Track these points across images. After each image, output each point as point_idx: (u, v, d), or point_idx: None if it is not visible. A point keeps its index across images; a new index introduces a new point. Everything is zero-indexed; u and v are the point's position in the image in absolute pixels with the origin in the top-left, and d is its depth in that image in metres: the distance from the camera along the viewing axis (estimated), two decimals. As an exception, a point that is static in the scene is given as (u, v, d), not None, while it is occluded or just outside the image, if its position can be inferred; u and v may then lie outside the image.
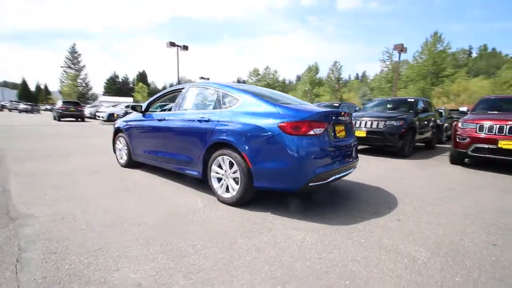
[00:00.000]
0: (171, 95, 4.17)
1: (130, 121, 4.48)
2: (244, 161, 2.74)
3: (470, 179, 4.59)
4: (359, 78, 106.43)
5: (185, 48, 20.80)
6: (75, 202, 2.93)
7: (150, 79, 73.20)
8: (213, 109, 3.19)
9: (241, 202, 2.85)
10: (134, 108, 4.26)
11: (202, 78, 34.80)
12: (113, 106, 23.51)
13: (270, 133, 2.56)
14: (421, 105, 7.60)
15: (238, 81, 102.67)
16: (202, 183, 3.63)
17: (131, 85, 75.08)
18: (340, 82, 54.66)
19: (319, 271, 1.77)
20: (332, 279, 1.68)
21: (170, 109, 4.77)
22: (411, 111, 7.34)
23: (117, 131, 4.82)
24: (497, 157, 4.95)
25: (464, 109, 6.91)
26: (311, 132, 2.54)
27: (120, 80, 76.68)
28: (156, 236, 2.19)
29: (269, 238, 2.21)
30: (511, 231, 2.51)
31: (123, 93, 69.01)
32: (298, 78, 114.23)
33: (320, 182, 2.62)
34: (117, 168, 4.66)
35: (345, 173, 2.95)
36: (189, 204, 2.96)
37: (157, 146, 3.84)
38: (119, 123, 4.78)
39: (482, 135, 5.11)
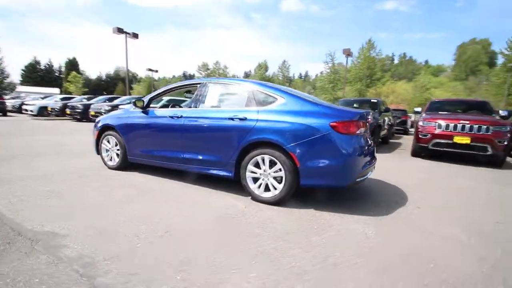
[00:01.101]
0: (177, 91, 3.84)
1: (126, 117, 3.96)
2: (289, 160, 2.75)
3: (440, 169, 5.44)
4: (302, 77, 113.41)
5: (135, 36, 18.94)
6: (93, 212, 2.51)
7: (81, 68, 63.92)
8: (247, 107, 3.07)
9: (283, 200, 2.85)
10: (135, 103, 3.78)
11: (150, 70, 32.25)
12: (42, 98, 20.05)
13: (321, 132, 2.63)
14: (383, 106, 8.61)
15: (184, 75, 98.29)
16: (219, 183, 3.50)
17: (57, 74, 64.76)
18: (291, 81, 57.31)
19: (404, 256, 1.94)
20: (418, 263, 1.86)
21: (173, 105, 4.40)
22: (375, 110, 8.24)
23: (104, 129, 4.21)
24: (452, 150, 5.98)
25: (418, 109, 8.09)
26: (358, 132, 2.70)
27: (43, 67, 65.20)
28: (229, 244, 2.05)
29: (336, 233, 2.30)
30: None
31: (46, 82, 58.81)
32: (246, 74, 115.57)
33: (361, 178, 2.81)
34: (106, 171, 4.09)
35: (372, 171, 3.21)
36: (228, 207, 2.82)
37: (170, 145, 3.50)
38: (108, 120, 4.18)
39: (441, 132, 6.10)
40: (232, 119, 3.03)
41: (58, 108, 15.77)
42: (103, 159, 4.28)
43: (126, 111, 4.16)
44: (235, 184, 3.46)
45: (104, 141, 4.22)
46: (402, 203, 3.16)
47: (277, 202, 2.86)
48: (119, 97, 15.75)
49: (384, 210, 2.90)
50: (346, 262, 1.86)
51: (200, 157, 3.28)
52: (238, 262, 1.80)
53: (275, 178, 2.88)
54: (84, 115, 13.88)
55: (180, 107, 4.49)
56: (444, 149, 6.07)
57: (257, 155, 2.91)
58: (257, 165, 2.95)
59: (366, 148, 2.87)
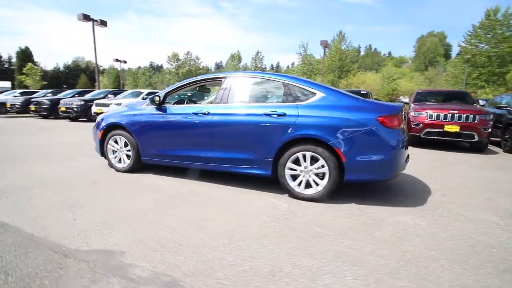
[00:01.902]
0: (197, 85, 3.59)
1: (138, 115, 3.62)
2: (333, 155, 2.72)
3: (437, 157, 5.81)
4: (274, 68, 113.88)
5: (103, 23, 17.35)
6: (133, 222, 2.28)
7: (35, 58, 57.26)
8: (283, 102, 2.96)
9: (326, 196, 2.83)
10: (153, 100, 3.45)
11: (117, 60, 30.03)
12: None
13: (369, 126, 2.62)
14: (371, 97, 8.94)
15: (152, 67, 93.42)
16: (247, 182, 3.39)
17: (5, 65, 57.72)
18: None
19: (465, 244, 2.02)
20: (479, 246, 1.96)
21: (188, 102, 4.14)
22: (366, 101, 8.53)
23: (110, 128, 3.83)
24: (443, 138, 6.41)
25: (406, 100, 8.52)
26: (400, 125, 2.74)
27: (-14, 57, 57.48)
28: (303, 247, 1.98)
29: (393, 227, 2.33)
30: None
31: (-8, 75, 52.23)
32: (217, 66, 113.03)
33: (402, 171, 2.88)
34: (115, 174, 3.74)
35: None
36: (271, 206, 2.73)
37: (195, 144, 3.28)
38: (114, 118, 3.80)
39: (432, 121, 6.49)
40: (269, 115, 2.91)
41: (19, 104, 14.12)
42: (110, 161, 3.90)
43: (133, 108, 3.81)
44: (264, 182, 3.38)
45: (111, 142, 3.84)
46: (428, 192, 3.31)
47: (320, 198, 2.83)
48: (91, 91, 14.51)
49: (417, 200, 3.01)
50: (423, 255, 1.89)
51: (232, 156, 3.12)
52: (324, 265, 1.74)
53: (316, 174, 2.84)
54: (52, 111, 12.59)
55: (194, 102, 4.23)
56: (435, 137, 6.49)
57: (298, 152, 2.84)
58: (295, 162, 2.88)
59: (406, 141, 2.92)
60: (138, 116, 3.62)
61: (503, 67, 27.61)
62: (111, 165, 3.91)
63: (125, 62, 31.47)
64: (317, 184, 2.84)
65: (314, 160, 2.82)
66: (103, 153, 3.95)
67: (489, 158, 5.85)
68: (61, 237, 2.01)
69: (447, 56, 74.17)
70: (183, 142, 3.37)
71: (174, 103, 3.80)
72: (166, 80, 56.93)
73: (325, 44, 20.77)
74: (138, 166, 3.78)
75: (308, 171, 2.85)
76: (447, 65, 47.90)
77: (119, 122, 3.73)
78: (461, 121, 6.21)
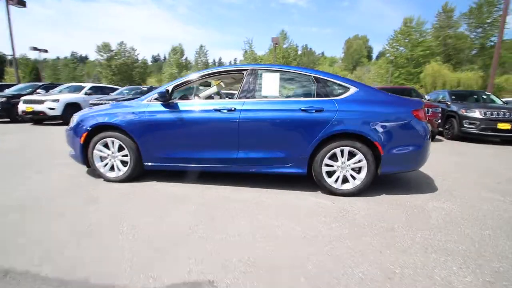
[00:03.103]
0: (213, 78, 3.20)
1: (139, 113, 3.04)
2: (371, 149, 2.76)
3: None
4: (216, 63, 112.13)
5: (21, 3, 14.12)
6: (197, 245, 1.90)
7: None
8: (318, 97, 2.86)
9: (363, 190, 2.86)
10: (162, 94, 2.92)
11: (36, 49, 25.05)
12: None
13: (405, 119, 2.74)
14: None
15: (74, 57, 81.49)
16: (274, 182, 3.22)
17: None
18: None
19: (499, 216, 2.30)
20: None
21: (202, 97, 3.67)
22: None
23: (97, 129, 3.13)
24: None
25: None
26: (426, 118, 2.94)
27: None
28: (389, 242, 1.95)
29: (437, 213, 2.49)
30: None
31: None
32: (155, 59, 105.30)
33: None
34: (111, 185, 3.10)
35: None
36: (317, 205, 2.63)
37: (218, 144, 2.93)
38: (107, 117, 3.11)
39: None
40: (306, 110, 2.77)
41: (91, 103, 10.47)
42: (97, 169, 3.20)
43: (129, 104, 3.19)
44: (283, 180, 3.25)
45: (99, 146, 3.14)
46: (429, 178, 3.67)
47: (357, 192, 2.85)
48: (13, 85, 11.77)
49: (429, 186, 3.30)
50: (487, 233, 2.06)
51: (263, 155, 2.89)
52: (425, 259, 1.74)
53: (353, 169, 2.84)
54: (8, 113, 9.70)
55: (198, 97, 3.77)
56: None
57: (336, 148, 2.79)
58: (331, 157, 2.84)
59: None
60: (140, 114, 3.04)
61: (418, 68, 32.91)
62: (100, 174, 3.21)
63: (45, 51, 26.48)
64: (354, 179, 2.85)
65: (351, 154, 2.81)
66: (86, 160, 3.21)
67: (442, 144, 6.87)
68: (113, 277, 1.53)
69: (369, 57, 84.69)
70: (202, 142, 2.98)
71: (180, 98, 3.31)
72: (96, 72, 50.41)
73: (276, 41, 21.29)
74: (137, 174, 3.20)
75: (346, 166, 2.83)
76: (371, 66, 54.78)
77: (112, 122, 3.07)
78: (418, 114, 7.10)
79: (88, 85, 10.98)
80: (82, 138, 3.15)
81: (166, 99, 2.98)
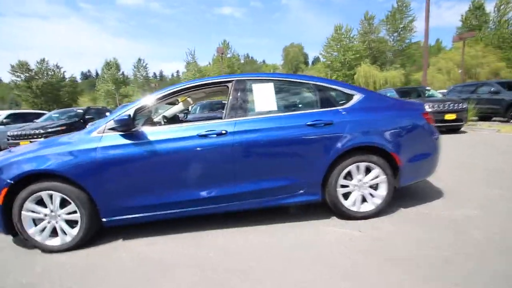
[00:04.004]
0: (183, 94, 2.50)
1: (87, 151, 2.16)
2: (387, 161, 2.42)
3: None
4: (157, 77, 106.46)
5: None
6: None
7: None
8: (322, 108, 2.41)
9: (384, 210, 2.50)
10: (124, 122, 2.09)
11: None
12: None
13: (417, 123, 2.47)
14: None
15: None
16: (277, 213, 2.68)
17: None
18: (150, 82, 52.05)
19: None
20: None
21: (171, 118, 2.90)
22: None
23: (24, 181, 2.15)
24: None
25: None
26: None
27: None
28: (449, 269, 1.55)
29: (466, 223, 2.25)
30: None
31: None
32: (85, 76, 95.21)
33: None
34: (53, 259, 2.14)
35: None
36: (341, 238, 2.15)
37: (208, 179, 2.25)
38: (38, 162, 2.13)
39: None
40: (313, 125, 2.30)
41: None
42: (31, 238, 2.19)
43: (69, 141, 2.28)
44: (283, 209, 2.73)
45: (29, 205, 2.16)
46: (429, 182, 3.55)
47: (377, 214, 2.48)
48: None
49: (438, 192, 3.08)
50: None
51: (267, 185, 2.31)
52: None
53: (371, 186, 2.47)
54: None
55: (179, 120, 2.98)
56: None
57: (350, 164, 2.38)
58: (345, 176, 2.42)
59: None
60: (88, 152, 2.16)
61: (351, 70, 36.14)
62: (35, 244, 2.21)
63: None
64: (374, 197, 2.47)
65: (366, 170, 2.44)
66: (10, 226, 2.18)
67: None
68: None
69: (306, 63, 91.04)
70: (185, 179, 2.25)
71: (145, 123, 2.53)
72: (14, 96, 42.81)
73: (221, 51, 20.88)
74: (92, 234, 2.30)
75: (363, 184, 2.44)
76: (309, 70, 58.60)
77: (47, 169, 2.13)
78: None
79: (4, 113, 8.84)
80: (1, 197, 2.12)
81: (128, 127, 2.18)
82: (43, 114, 9.76)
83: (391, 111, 2.48)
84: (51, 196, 2.17)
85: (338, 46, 38.20)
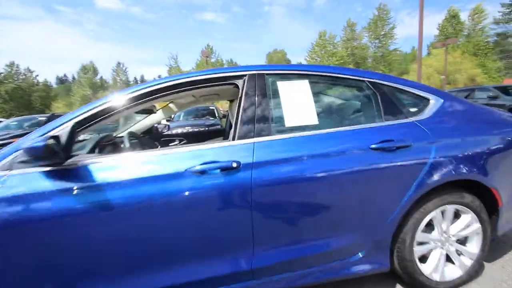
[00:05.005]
0: (157, 99, 1.53)
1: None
2: (482, 201, 1.57)
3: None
4: (138, 82, 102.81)
5: None
6: None
7: None
8: (387, 119, 1.51)
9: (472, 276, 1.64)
10: (41, 152, 1.08)
11: None
12: None
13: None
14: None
15: None
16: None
17: None
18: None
19: None
20: None
21: (143, 136, 1.93)
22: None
23: None
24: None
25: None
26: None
27: None
28: None
29: None
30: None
31: None
32: (60, 80, 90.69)
33: None
34: None
35: None
36: None
37: (208, 246, 1.29)
38: None
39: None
40: (381, 148, 1.40)
41: None
42: None
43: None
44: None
45: None
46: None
47: (471, 278, 1.61)
48: None
49: None
50: None
51: (305, 252, 1.37)
52: None
53: (457, 241, 1.60)
54: None
55: (157, 138, 1.97)
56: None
57: (434, 209, 1.50)
58: (427, 228, 1.54)
59: None
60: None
61: (336, 75, 36.29)
62: None
63: None
64: (459, 255, 1.60)
65: (457, 216, 1.58)
66: None
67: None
68: None
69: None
70: (163, 255, 1.27)
71: (88, 152, 1.54)
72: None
73: (206, 55, 19.89)
74: None
75: (448, 238, 1.57)
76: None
77: None
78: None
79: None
80: None
81: (55, 159, 1.17)
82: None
83: (486, 127, 1.63)
84: None
85: (322, 52, 38.33)
